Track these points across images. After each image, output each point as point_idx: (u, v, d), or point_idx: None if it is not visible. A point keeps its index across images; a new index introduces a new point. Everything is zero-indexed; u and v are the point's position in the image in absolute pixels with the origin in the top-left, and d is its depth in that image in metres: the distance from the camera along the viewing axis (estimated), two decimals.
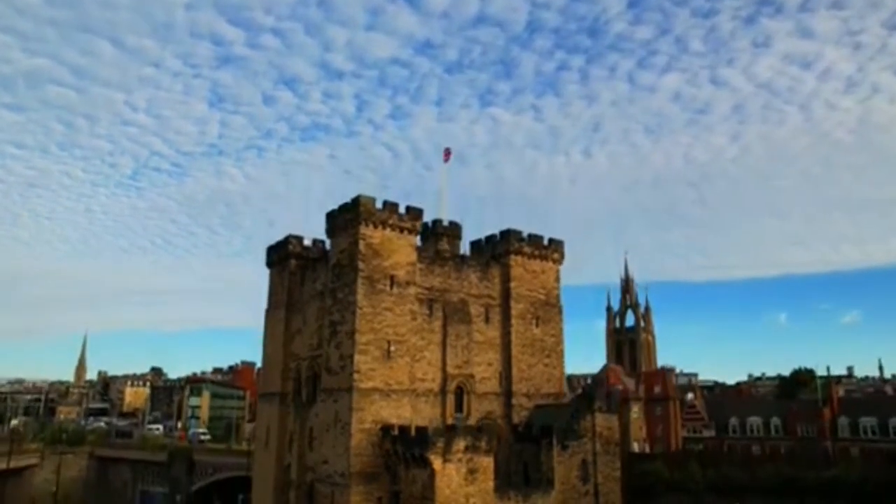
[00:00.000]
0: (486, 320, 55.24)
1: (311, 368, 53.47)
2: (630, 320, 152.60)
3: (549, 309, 58.04)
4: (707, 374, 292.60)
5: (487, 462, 44.77)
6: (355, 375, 46.21)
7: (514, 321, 55.70)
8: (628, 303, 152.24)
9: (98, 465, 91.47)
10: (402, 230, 50.30)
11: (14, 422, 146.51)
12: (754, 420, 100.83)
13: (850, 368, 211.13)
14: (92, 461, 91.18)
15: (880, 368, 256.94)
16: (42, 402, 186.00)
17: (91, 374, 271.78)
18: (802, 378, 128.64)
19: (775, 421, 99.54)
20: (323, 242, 57.98)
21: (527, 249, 57.74)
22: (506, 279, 56.47)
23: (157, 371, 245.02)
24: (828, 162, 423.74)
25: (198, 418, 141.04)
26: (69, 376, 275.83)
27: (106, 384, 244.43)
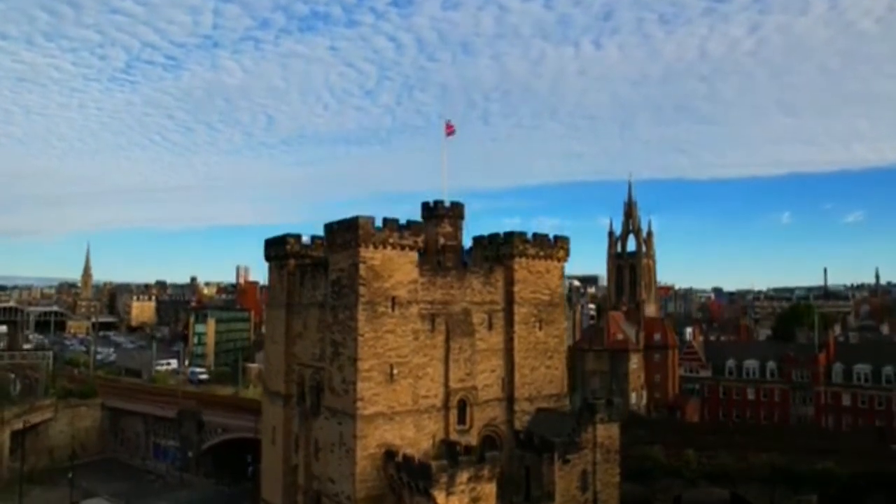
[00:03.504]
0: (489, 327, 54.45)
1: (314, 379, 53.42)
2: (631, 244, 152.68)
3: (552, 310, 57.06)
4: (705, 285, 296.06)
5: (490, 489, 45.67)
6: (358, 403, 46.09)
7: (517, 326, 54.89)
8: (630, 227, 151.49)
9: (111, 414, 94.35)
10: (402, 248, 48.59)
11: (27, 346, 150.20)
12: (751, 363, 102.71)
13: (847, 287, 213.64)
14: (105, 412, 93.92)
15: (877, 277, 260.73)
16: (51, 318, 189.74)
17: (97, 278, 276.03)
18: (802, 309, 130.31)
19: (771, 365, 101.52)
20: (322, 239, 56.30)
21: (531, 251, 55.96)
22: (509, 283, 55.09)
23: (161, 284, 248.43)
24: (848, 54, 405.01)
25: (204, 344, 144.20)
26: (74, 274, 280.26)
27: (112, 296, 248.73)
